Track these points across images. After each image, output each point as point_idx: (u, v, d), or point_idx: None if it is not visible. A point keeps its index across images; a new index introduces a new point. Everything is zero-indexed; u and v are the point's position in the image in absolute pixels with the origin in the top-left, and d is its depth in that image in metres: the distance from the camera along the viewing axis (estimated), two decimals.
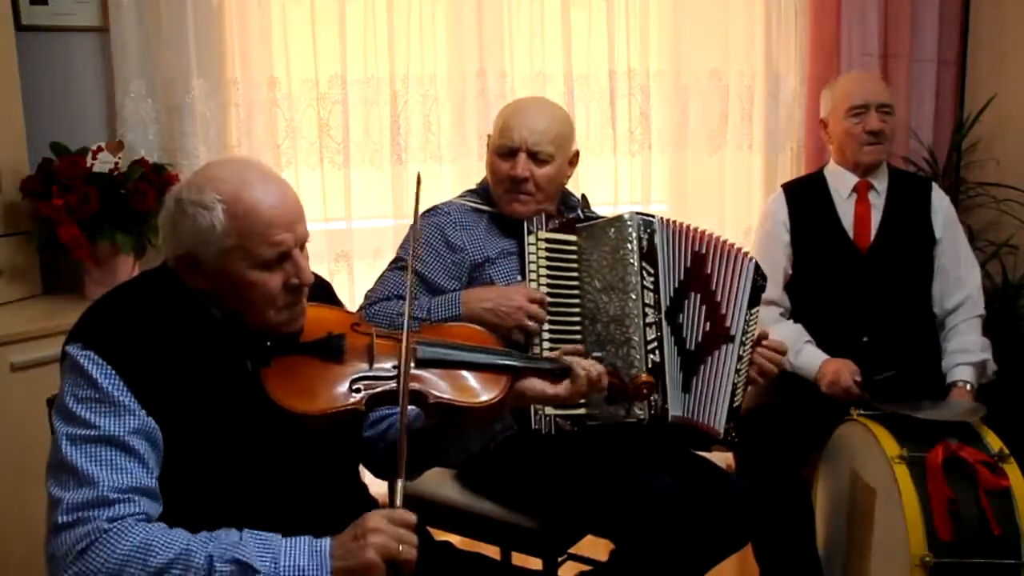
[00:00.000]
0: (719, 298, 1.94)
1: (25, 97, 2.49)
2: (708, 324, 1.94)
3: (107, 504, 1.22)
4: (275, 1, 2.70)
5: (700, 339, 1.93)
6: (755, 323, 1.97)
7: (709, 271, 1.95)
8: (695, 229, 1.98)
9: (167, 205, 1.36)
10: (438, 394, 1.42)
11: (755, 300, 1.96)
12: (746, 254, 1.97)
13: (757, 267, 1.98)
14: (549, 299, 1.95)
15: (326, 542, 1.23)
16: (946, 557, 1.93)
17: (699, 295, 1.94)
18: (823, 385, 2.35)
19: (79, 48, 2.65)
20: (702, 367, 1.92)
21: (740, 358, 1.95)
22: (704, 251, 1.96)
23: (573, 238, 2.00)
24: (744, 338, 1.94)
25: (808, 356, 2.41)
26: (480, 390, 1.46)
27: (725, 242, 1.97)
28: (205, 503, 1.32)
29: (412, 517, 1.22)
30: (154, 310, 1.34)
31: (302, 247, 1.38)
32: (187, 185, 1.35)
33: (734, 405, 1.94)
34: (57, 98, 2.63)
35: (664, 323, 1.91)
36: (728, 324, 1.93)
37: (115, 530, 1.20)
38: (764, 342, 2.00)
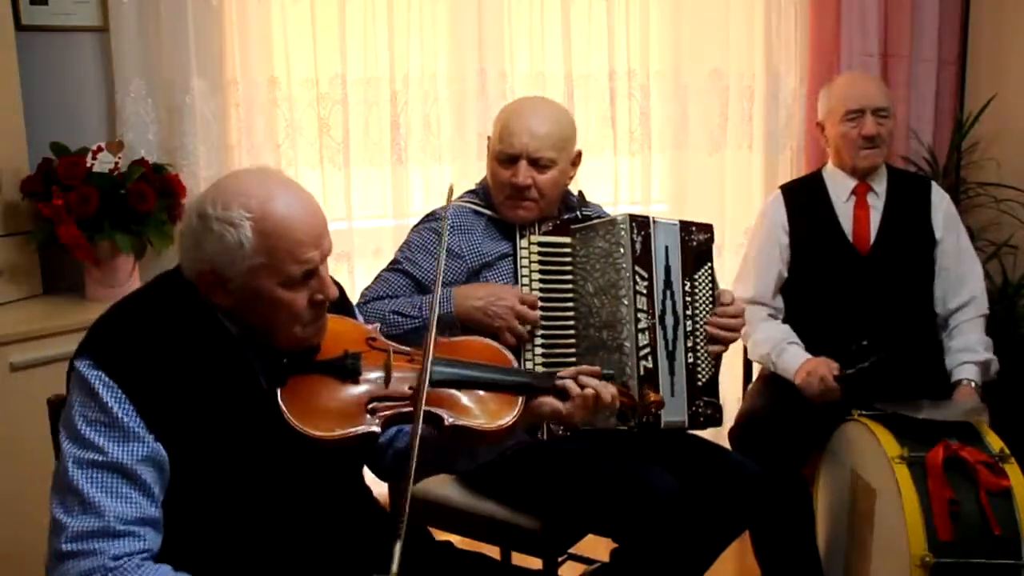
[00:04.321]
0: (671, 281, 1.92)
1: (25, 97, 2.49)
2: (673, 317, 1.92)
3: (112, 536, 1.21)
4: (275, 1, 2.70)
5: (671, 335, 1.92)
6: (705, 288, 1.94)
7: (669, 262, 1.93)
8: None
9: (190, 220, 1.33)
10: (453, 418, 1.41)
11: (697, 262, 1.94)
12: (669, 221, 1.94)
13: (684, 226, 1.95)
14: (542, 303, 1.93)
15: None
16: (946, 557, 1.93)
17: (668, 290, 1.92)
18: (797, 378, 2.32)
19: (79, 48, 2.65)
20: (675, 363, 1.91)
21: (689, 334, 1.92)
22: (667, 242, 1.94)
23: (567, 240, 1.99)
24: (689, 311, 1.92)
25: (790, 356, 2.39)
26: (495, 411, 1.45)
27: (660, 220, 1.94)
28: (215, 514, 1.31)
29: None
30: (168, 326, 1.32)
31: (324, 260, 1.37)
32: (211, 200, 1.31)
33: (698, 384, 1.92)
34: (57, 98, 2.62)
35: (658, 328, 1.89)
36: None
37: (119, 571, 1.20)
38: (718, 309, 1.96)
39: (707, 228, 2.00)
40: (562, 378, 1.53)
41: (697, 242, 1.97)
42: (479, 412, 1.44)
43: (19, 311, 2.40)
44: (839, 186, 2.54)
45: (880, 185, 2.54)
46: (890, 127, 2.53)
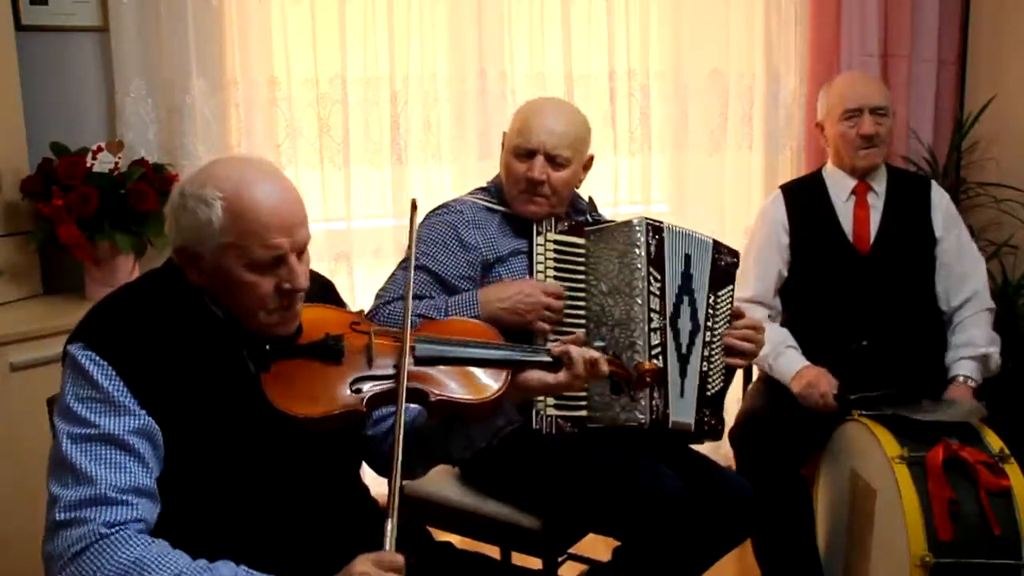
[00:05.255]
0: (693, 289, 2.00)
1: (25, 97, 2.49)
2: (691, 324, 1.98)
3: (106, 503, 1.22)
4: (275, 1, 2.70)
5: (687, 340, 1.96)
6: (726, 305, 2.02)
7: (690, 270, 1.99)
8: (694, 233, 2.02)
9: (172, 197, 1.36)
10: (438, 392, 1.42)
11: (723, 280, 2.02)
12: (703, 237, 2.04)
13: (716, 246, 2.03)
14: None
15: None
16: (946, 557, 1.93)
17: (687, 296, 1.98)
18: (796, 386, 2.32)
19: (79, 48, 2.65)
20: (688, 367, 1.95)
21: (707, 344, 1.98)
22: (689, 251, 2.01)
23: (581, 241, 2.01)
24: (710, 323, 1.98)
25: (787, 360, 2.38)
26: (480, 385, 1.46)
27: (692, 233, 2.03)
28: (205, 504, 1.32)
29: (400, 560, 1.22)
30: (157, 310, 1.34)
31: (301, 252, 1.36)
32: (191, 179, 1.35)
33: (708, 393, 1.97)
34: (57, 98, 2.62)
35: (668, 329, 1.92)
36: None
37: (114, 538, 1.20)
38: (736, 322, 2.04)
39: (735, 253, 2.11)
40: (546, 350, 1.54)
41: (726, 263, 2.06)
42: (464, 386, 1.45)
43: (19, 311, 2.40)
44: (839, 186, 2.54)
45: (880, 184, 2.54)
46: (889, 126, 2.53)
